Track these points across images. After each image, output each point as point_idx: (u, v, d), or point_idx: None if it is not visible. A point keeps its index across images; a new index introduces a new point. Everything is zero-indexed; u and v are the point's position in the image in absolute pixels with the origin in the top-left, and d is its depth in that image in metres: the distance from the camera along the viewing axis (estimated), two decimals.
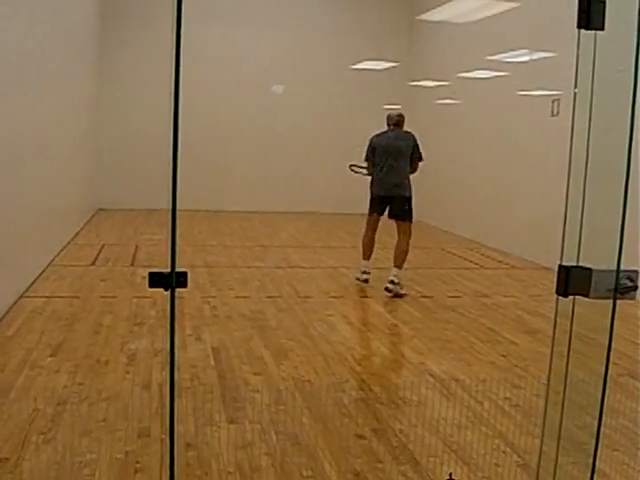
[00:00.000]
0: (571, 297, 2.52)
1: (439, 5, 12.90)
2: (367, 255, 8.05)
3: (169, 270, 2.22)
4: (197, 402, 4.35)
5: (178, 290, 2.30)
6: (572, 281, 2.41)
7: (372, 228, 8.06)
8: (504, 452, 3.88)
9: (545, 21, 9.24)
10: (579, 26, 2.43)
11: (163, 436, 3.75)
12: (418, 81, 14.18)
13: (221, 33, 13.34)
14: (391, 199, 7.82)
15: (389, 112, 8.14)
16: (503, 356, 5.54)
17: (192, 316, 6.30)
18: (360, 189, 13.66)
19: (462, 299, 7.46)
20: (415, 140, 7.90)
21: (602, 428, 3.92)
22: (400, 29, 14.31)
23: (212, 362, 5.12)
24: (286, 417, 4.24)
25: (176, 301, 2.32)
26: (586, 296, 2.42)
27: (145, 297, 6.65)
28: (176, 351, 2.43)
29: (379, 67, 14.35)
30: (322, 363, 5.23)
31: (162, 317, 6.15)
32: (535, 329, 6.21)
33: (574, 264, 2.48)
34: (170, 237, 2.11)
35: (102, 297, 6.93)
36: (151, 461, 3.54)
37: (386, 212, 7.93)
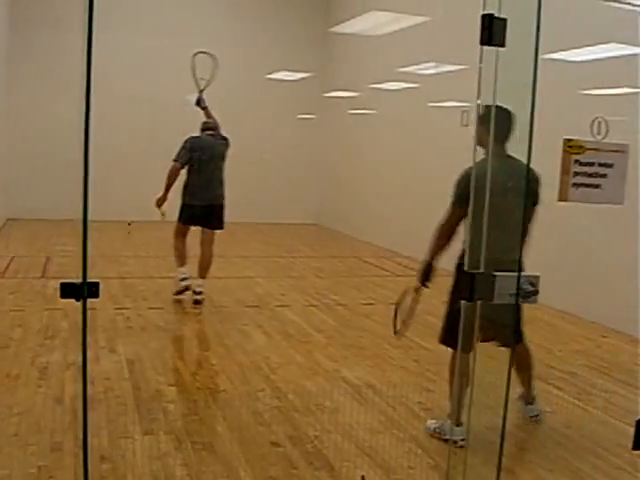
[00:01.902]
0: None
1: (352, 17, 13.10)
2: (183, 262, 7.59)
3: (81, 281, 2.22)
4: (111, 414, 4.30)
5: (91, 301, 2.30)
6: (477, 286, 2.50)
7: (184, 234, 7.68)
8: (416, 454, 3.98)
9: (455, 35, 9.48)
10: (482, 43, 2.55)
11: (77, 450, 3.71)
12: (332, 92, 14.35)
13: (134, 41, 13.15)
14: (210, 208, 7.56)
15: (204, 120, 7.84)
16: (415, 361, 5.67)
17: (105, 328, 6.21)
18: (275, 198, 13.83)
19: (376, 306, 7.58)
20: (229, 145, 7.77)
21: (510, 428, 4.09)
22: (315, 40, 14.44)
23: (126, 374, 5.07)
24: (201, 427, 4.25)
25: (88, 312, 2.31)
26: (491, 300, 2.52)
27: (57, 309, 6.53)
28: (89, 363, 2.43)
29: (294, 77, 14.45)
30: (237, 372, 5.24)
31: (74, 329, 6.04)
32: None
33: (479, 271, 2.59)
34: (82, 247, 2.11)
35: (12, 310, 6.77)
36: (65, 475, 3.49)
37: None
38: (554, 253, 7.65)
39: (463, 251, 4.17)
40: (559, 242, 7.64)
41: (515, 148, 2.81)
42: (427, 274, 4.27)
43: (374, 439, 4.13)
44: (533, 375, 4.48)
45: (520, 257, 3.89)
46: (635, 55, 6.68)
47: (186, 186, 7.56)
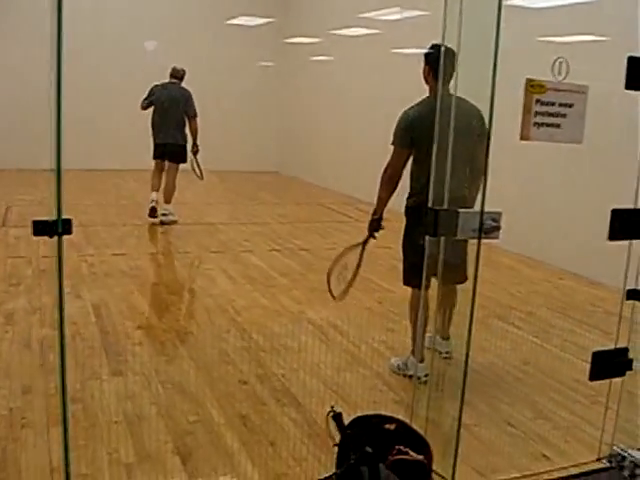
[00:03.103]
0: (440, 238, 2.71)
1: None
2: (154, 189, 8.86)
3: (54, 218, 2.24)
4: (79, 357, 4.33)
5: (52, 248, 2.31)
6: (441, 222, 2.58)
7: (159, 169, 8.98)
8: (381, 391, 4.11)
9: None
10: None
11: (47, 391, 3.76)
12: (293, 38, 14.19)
13: None
14: (170, 145, 8.82)
15: (174, 66, 8.98)
16: (379, 303, 5.78)
17: (69, 275, 6.18)
18: (237, 146, 13.72)
19: (339, 251, 7.63)
20: (190, 96, 8.84)
21: (472, 364, 4.22)
22: None
23: (93, 318, 5.10)
24: (169, 367, 4.32)
25: (50, 260, 2.33)
26: (454, 236, 2.60)
27: (19, 257, 6.52)
28: (54, 309, 2.45)
29: (253, 23, 14.23)
30: (204, 315, 5.31)
31: (38, 276, 6.05)
32: None
33: (443, 207, 2.66)
34: (56, 184, 2.13)
35: None
36: (36, 416, 3.54)
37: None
38: (513, 195, 7.79)
39: (410, 193, 4.25)
40: (518, 184, 7.77)
41: (477, 91, 2.86)
42: (378, 224, 4.35)
43: (339, 376, 4.24)
44: (454, 312, 4.55)
45: (476, 194, 4.01)
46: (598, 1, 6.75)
47: (152, 127, 8.92)
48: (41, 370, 4.10)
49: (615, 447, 3.46)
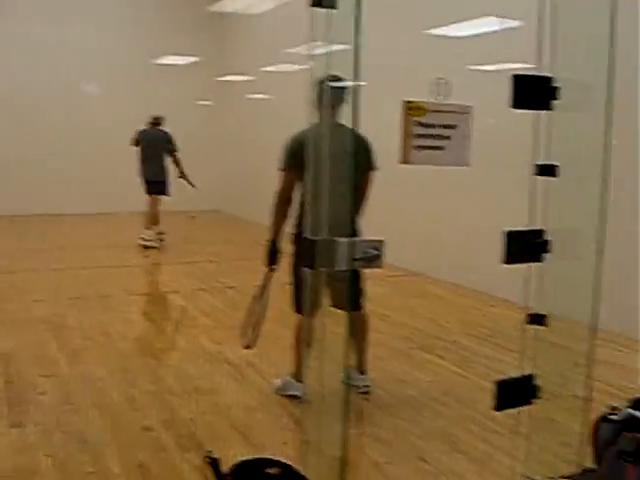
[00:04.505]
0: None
1: None
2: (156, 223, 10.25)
3: None
4: None
5: None
6: (319, 253, 2.46)
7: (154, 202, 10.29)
8: (291, 430, 3.96)
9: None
10: (312, 5, 2.51)
11: None
12: (227, 76, 14.13)
13: (17, 26, 12.67)
14: (154, 182, 10.20)
15: (154, 114, 10.31)
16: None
17: None
18: (177, 185, 13.29)
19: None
20: (170, 137, 10.20)
21: (389, 398, 4.10)
22: (200, 22, 14.02)
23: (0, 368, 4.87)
24: (73, 416, 4.11)
25: None
26: (332, 267, 2.48)
27: None
28: None
29: (184, 62, 14.11)
30: (117, 360, 5.11)
31: None
32: None
33: (321, 237, 2.54)
34: None
35: None
36: None
37: None
38: (441, 223, 7.79)
39: (297, 220, 4.17)
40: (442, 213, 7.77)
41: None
42: (274, 255, 4.23)
43: (249, 417, 4.09)
44: (367, 345, 4.47)
45: (356, 222, 3.94)
46: (513, 29, 6.81)
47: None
48: None
49: (528, 478, 3.35)
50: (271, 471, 2.46)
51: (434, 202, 8.00)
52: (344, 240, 2.51)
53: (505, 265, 3.09)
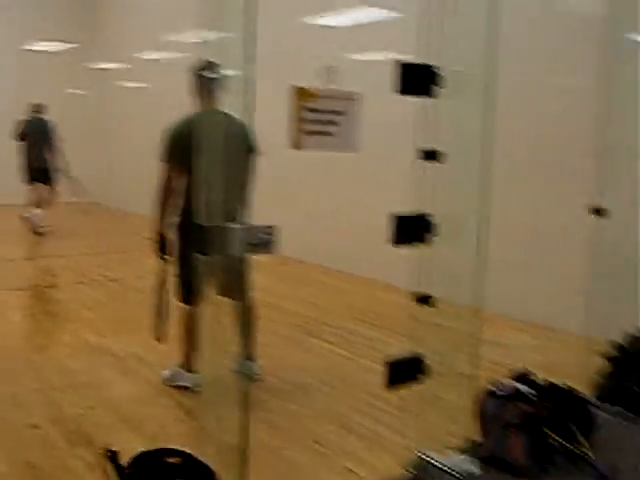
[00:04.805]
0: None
1: None
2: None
3: None
4: None
5: None
6: (210, 239, 2.45)
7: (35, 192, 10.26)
8: (183, 421, 3.93)
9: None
10: None
11: None
12: (100, 63, 13.74)
13: None
14: (38, 170, 10.18)
15: (35, 102, 10.36)
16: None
17: None
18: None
19: (148, 279, 7.34)
20: (51, 125, 10.23)
21: (280, 384, 4.13)
22: (73, 6, 13.62)
23: None
24: None
25: None
26: (225, 252, 2.47)
27: None
28: None
29: (57, 48, 13.63)
30: None
31: None
32: None
33: (212, 224, 2.53)
34: None
35: None
36: None
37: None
38: (325, 209, 7.87)
39: (182, 209, 4.14)
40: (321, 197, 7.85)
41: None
42: (162, 245, 4.20)
43: (140, 410, 4.02)
44: (254, 333, 4.49)
45: (242, 208, 3.95)
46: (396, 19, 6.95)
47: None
48: None
49: (419, 454, 3.45)
50: (172, 460, 2.43)
51: (323, 190, 8.05)
52: (236, 226, 2.51)
53: (391, 251, 3.18)
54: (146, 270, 7.79)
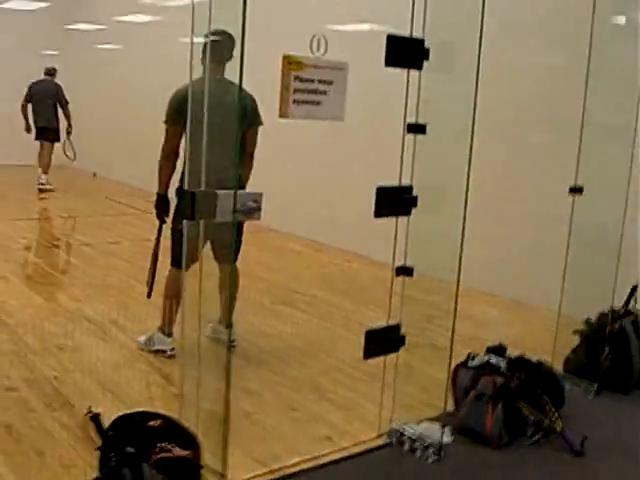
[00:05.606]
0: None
1: None
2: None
3: None
4: None
5: None
6: (198, 205, 2.46)
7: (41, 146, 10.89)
8: (159, 385, 3.95)
9: None
10: None
11: None
12: (76, 24, 13.48)
13: None
14: (45, 129, 10.78)
15: (47, 66, 10.99)
16: (161, 295, 5.56)
17: None
18: (21, 138, 12.60)
19: (123, 244, 7.36)
20: (60, 88, 10.92)
21: (256, 351, 4.16)
22: None
23: None
24: None
25: None
26: (212, 218, 2.49)
27: None
28: None
29: (31, 7, 13.33)
30: None
31: None
32: None
33: (200, 189, 2.54)
34: None
35: None
36: None
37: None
38: (297, 180, 7.87)
39: (182, 173, 4.13)
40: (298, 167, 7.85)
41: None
42: (163, 207, 4.19)
43: (117, 374, 4.03)
44: (234, 298, 4.46)
45: (240, 175, 3.94)
46: None
47: (32, 114, 10.88)
48: None
49: (393, 423, 3.51)
50: (153, 423, 2.45)
51: (303, 160, 8.01)
52: (223, 192, 2.52)
53: (370, 223, 3.21)
54: (121, 235, 7.84)
